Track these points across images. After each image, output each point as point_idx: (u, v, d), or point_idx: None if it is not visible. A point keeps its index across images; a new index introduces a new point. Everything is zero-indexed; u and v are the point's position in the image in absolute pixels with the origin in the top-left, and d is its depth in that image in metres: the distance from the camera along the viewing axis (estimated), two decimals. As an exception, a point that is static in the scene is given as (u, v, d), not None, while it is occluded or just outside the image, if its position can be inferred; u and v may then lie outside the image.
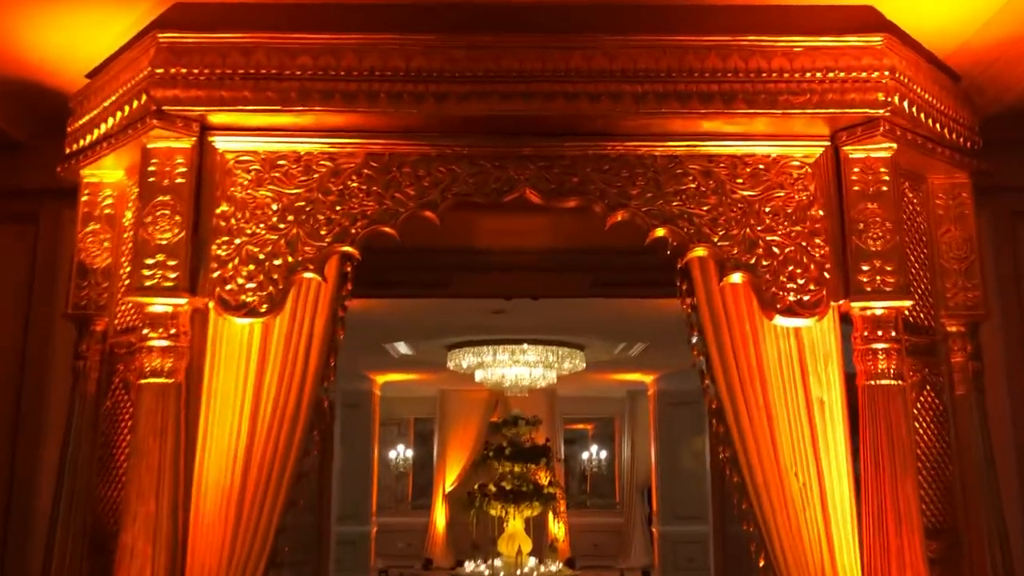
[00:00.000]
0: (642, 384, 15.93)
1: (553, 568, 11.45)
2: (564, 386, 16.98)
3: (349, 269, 3.85)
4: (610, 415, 19.05)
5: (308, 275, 3.70)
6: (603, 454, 19.13)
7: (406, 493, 19.10)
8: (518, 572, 11.05)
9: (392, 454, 18.61)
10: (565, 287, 5.95)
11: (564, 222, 4.87)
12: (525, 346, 11.27)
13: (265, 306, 3.67)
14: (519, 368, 11.68)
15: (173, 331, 3.59)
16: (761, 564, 3.59)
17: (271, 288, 3.68)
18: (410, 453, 18.70)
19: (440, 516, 16.88)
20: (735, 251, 3.72)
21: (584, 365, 12.10)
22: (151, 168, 3.66)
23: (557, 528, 13.05)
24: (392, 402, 17.84)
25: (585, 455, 19.84)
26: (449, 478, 16.92)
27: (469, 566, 11.52)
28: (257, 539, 3.56)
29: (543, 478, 11.94)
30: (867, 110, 3.59)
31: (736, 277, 3.72)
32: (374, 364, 13.94)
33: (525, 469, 11.69)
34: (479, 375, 11.98)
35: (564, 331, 11.19)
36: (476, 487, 11.66)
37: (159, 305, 3.59)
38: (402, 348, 12.56)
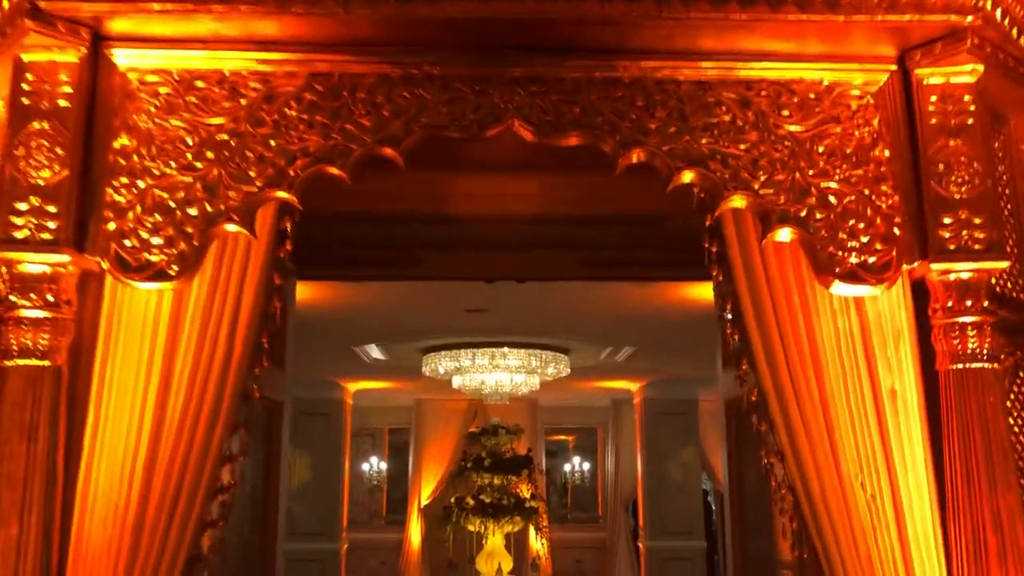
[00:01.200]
0: (627, 392, 15.14)
1: (536, 589, 10.60)
2: (546, 395, 16.17)
3: (288, 226, 3.02)
4: (593, 425, 18.23)
5: (232, 228, 2.86)
6: (586, 466, 18.30)
7: (380, 508, 18.16)
8: (497, 593, 10.20)
9: (365, 466, 17.66)
10: (552, 267, 5.14)
11: (551, 184, 4.09)
12: (506, 349, 10.44)
13: (176, 267, 2.82)
14: (499, 374, 10.84)
15: (51, 298, 2.73)
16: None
17: (184, 244, 2.83)
18: (384, 465, 17.76)
19: (415, 532, 15.95)
20: (781, 200, 2.91)
21: (568, 371, 11.29)
22: (25, 86, 2.80)
23: (540, 545, 12.11)
24: (365, 412, 16.95)
25: (567, 467, 18.99)
26: (425, 492, 16.01)
27: (445, 587, 10.65)
28: (161, 572, 2.70)
29: (524, 491, 11.08)
30: (950, 16, 2.79)
31: (783, 234, 2.92)
32: (345, 370, 13.05)
33: (506, 481, 10.82)
34: (457, 381, 11.13)
35: (548, 333, 10.38)
36: (453, 500, 10.78)
37: (32, 264, 2.73)
38: (374, 352, 11.69)
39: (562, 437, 19.13)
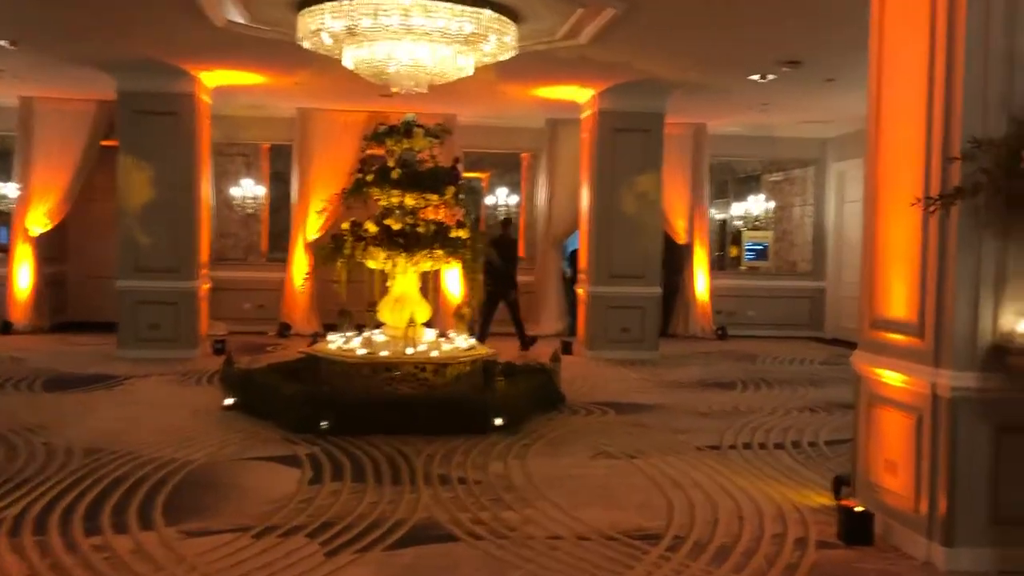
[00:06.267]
0: (572, 107, 11.86)
1: (464, 344, 7.76)
2: (467, 109, 12.78)
3: None
4: (517, 151, 15.00)
5: None
6: (512, 200, 15.31)
7: (258, 241, 14.95)
8: (408, 351, 7.35)
9: (237, 191, 14.20)
10: None
11: None
12: (426, 1, 6.87)
13: None
14: (415, 45, 7.32)
15: None
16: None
17: None
18: (262, 190, 14.31)
19: (300, 272, 12.90)
20: None
21: (512, 52, 7.82)
22: None
23: (466, 291, 8.97)
24: (235, 122, 13.29)
25: (491, 200, 15.99)
26: (312, 223, 12.80)
27: (336, 339, 7.76)
28: None
29: (446, 216, 7.98)
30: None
31: None
32: (192, 46, 9.24)
33: (422, 202, 7.66)
34: (351, 55, 7.56)
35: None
36: (346, 226, 7.61)
37: None
38: (229, 12, 7.95)
39: (476, 174, 15.96)
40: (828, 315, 14.75)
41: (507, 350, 9.11)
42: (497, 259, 10.30)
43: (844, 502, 4.61)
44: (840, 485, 5.02)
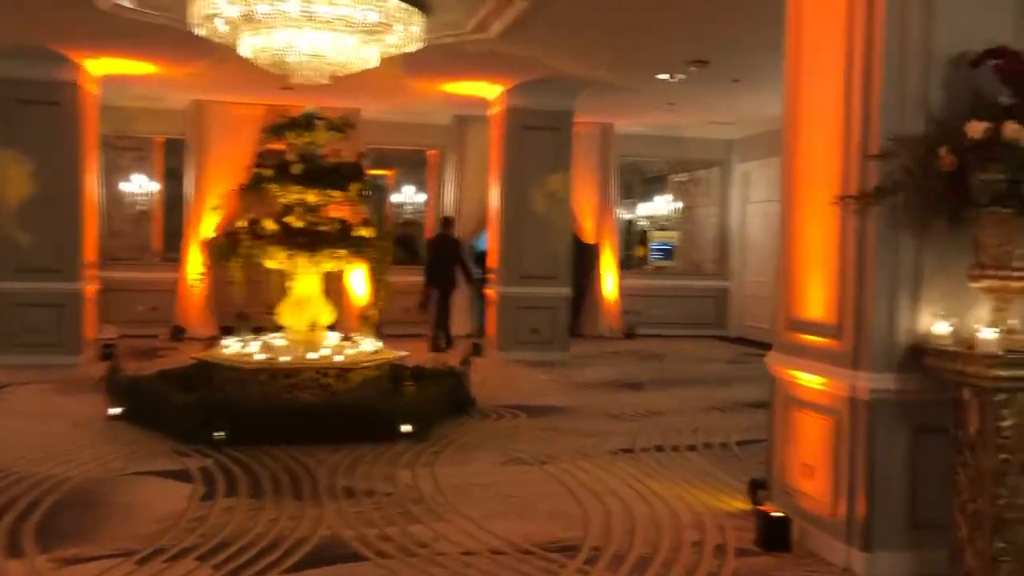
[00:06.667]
0: (481, 103, 11.64)
1: (370, 348, 7.44)
2: (371, 104, 12.40)
3: None
4: (423, 148, 14.64)
5: None
6: (420, 198, 14.99)
7: (151, 241, 14.20)
8: (310, 355, 6.99)
9: (128, 187, 13.46)
10: None
11: None
12: (329, -11, 6.54)
13: None
14: (316, 33, 6.97)
15: None
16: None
17: None
18: (156, 186, 13.60)
19: (194, 272, 12.29)
20: None
21: (419, 44, 7.54)
22: None
23: (372, 292, 8.55)
24: (126, 114, 12.54)
25: (397, 198, 15.61)
26: (208, 221, 12.21)
27: (232, 344, 7.33)
28: None
29: (353, 214, 7.65)
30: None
31: None
32: (74, 30, 8.62)
33: (326, 199, 7.30)
34: (248, 44, 7.16)
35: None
36: (243, 224, 7.19)
37: None
38: (115, -7, 7.43)
39: (382, 171, 15.54)
40: (732, 314, 14.96)
41: (417, 352, 8.80)
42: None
43: (762, 507, 4.52)
44: (756, 489, 4.95)
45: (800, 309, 4.50)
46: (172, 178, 13.89)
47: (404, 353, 7.77)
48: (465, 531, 4.53)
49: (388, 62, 7.97)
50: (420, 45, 7.56)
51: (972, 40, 3.78)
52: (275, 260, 7.15)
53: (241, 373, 6.92)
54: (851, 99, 4.04)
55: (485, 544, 4.33)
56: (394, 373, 7.50)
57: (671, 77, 9.95)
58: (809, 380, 4.38)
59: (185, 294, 12.47)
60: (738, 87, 10.38)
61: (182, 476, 5.48)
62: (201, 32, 7.18)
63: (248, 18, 6.79)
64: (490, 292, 11.55)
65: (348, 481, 5.43)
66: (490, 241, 11.73)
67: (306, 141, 7.33)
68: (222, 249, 7.35)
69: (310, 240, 7.01)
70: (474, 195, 13.10)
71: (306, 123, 7.29)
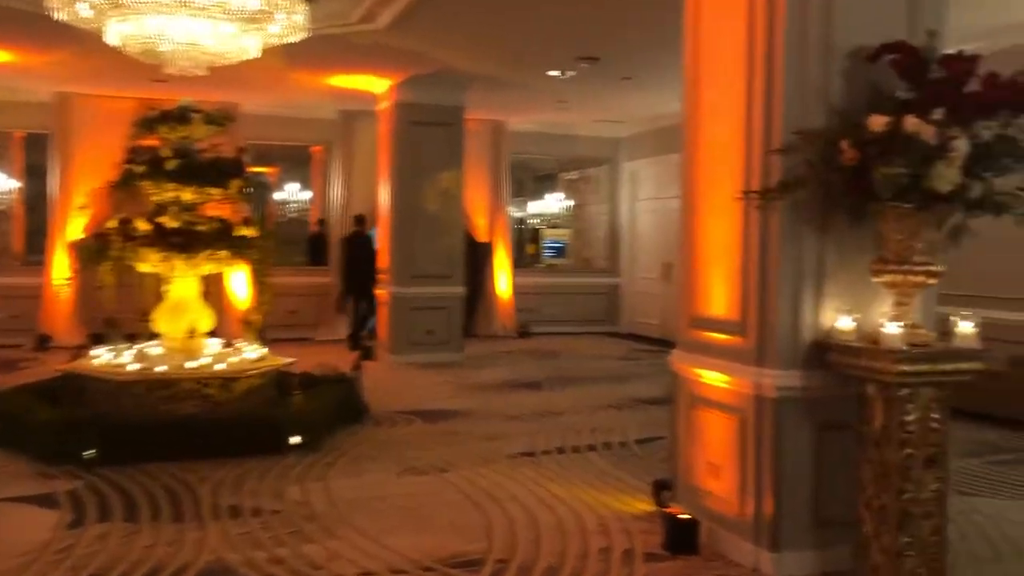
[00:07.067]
0: (368, 98, 11.29)
1: (253, 355, 7.02)
2: (252, 96, 11.85)
3: None
4: (308, 144, 14.12)
5: None
6: (305, 196, 14.46)
7: (11, 242, 13.20)
8: (189, 364, 6.53)
9: (-17, 185, 12.47)
10: None
11: None
12: (204, -27, 6.11)
13: None
14: (192, 20, 6.51)
15: None
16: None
17: None
18: (16, 184, 12.64)
19: (60, 276, 11.47)
20: None
21: (303, 34, 7.15)
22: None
23: (255, 295, 8.03)
24: (-19, 107, 11.59)
25: (280, 196, 15.02)
26: (75, 222, 11.42)
27: (103, 354, 6.79)
28: None
29: (233, 213, 7.21)
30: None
31: None
32: (-83, 14, 7.84)
33: (204, 196, 6.85)
34: (115, 31, 6.62)
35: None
36: (113, 225, 6.66)
37: None
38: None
39: (263, 168, 14.94)
40: (623, 310, 15.08)
41: (304, 358, 8.36)
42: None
43: (668, 509, 4.43)
44: (661, 490, 4.86)
45: (703, 306, 4.43)
46: (34, 175, 12.90)
47: (291, 360, 7.39)
48: (361, 549, 4.26)
49: (270, 53, 7.52)
50: (304, 35, 7.15)
51: (869, 34, 3.77)
52: (148, 263, 6.65)
53: (113, 385, 6.40)
54: (753, 92, 3.98)
55: (384, 562, 4.08)
56: (281, 381, 7.11)
57: (562, 74, 9.87)
58: (713, 378, 4.31)
59: (50, 300, 11.62)
60: (628, 84, 10.40)
61: (47, 501, 4.99)
62: (62, 17, 6.60)
63: (114, 3, 6.28)
64: (381, 293, 11.23)
65: (233, 499, 5.06)
66: (380, 240, 11.40)
67: (181, 135, 6.86)
68: (90, 251, 6.81)
69: (187, 241, 6.55)
70: (362, 193, 12.73)
71: (181, 116, 6.82)
